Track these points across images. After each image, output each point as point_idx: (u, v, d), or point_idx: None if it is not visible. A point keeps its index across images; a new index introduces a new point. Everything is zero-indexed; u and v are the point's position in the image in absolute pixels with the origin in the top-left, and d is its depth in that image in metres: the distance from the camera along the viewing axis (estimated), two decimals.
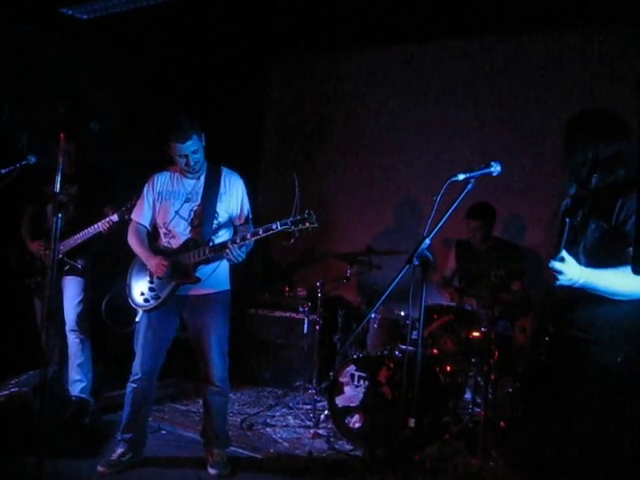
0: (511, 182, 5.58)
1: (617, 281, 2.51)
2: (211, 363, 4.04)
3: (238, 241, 3.78)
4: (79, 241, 4.77)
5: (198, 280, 3.95)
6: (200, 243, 3.92)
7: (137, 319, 4.14)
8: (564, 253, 2.44)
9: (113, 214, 4.60)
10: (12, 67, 5.37)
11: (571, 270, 2.44)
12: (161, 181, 4.13)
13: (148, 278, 4.05)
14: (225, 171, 4.13)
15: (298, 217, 3.59)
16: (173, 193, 4.08)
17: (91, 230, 4.70)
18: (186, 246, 3.96)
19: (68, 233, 4.71)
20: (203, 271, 3.97)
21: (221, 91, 6.70)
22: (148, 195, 4.13)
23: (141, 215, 4.15)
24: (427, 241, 2.54)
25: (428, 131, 6.47)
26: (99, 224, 4.66)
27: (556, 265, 2.42)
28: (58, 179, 3.18)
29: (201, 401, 4.27)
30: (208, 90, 6.54)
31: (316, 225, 3.61)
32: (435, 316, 4.91)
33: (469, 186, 2.66)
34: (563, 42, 5.77)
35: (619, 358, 2.55)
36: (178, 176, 4.10)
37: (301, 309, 5.88)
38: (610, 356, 2.57)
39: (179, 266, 3.94)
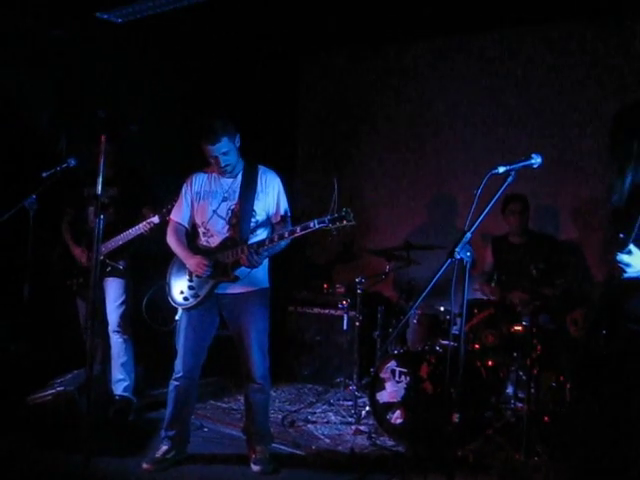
0: (546, 174, 5.49)
1: None
2: (252, 360, 4.06)
3: (276, 239, 3.80)
4: (120, 242, 4.80)
5: (237, 278, 3.97)
6: (238, 242, 3.94)
7: (177, 317, 4.20)
8: (632, 246, 2.45)
9: (154, 216, 4.64)
10: (51, 72, 5.46)
11: (638, 262, 2.46)
12: (199, 181, 4.16)
13: (187, 277, 4.08)
14: (262, 169, 4.14)
15: (336, 215, 3.60)
16: (211, 192, 4.10)
17: (132, 232, 4.74)
18: (224, 245, 3.99)
19: (109, 235, 4.75)
20: (242, 270, 3.98)
21: (257, 90, 6.71)
22: (186, 195, 4.17)
23: (180, 215, 4.18)
24: (468, 235, 2.52)
25: (465, 125, 6.40)
26: (140, 226, 4.70)
27: (624, 258, 2.44)
28: (100, 181, 3.22)
29: (242, 398, 4.29)
30: (244, 89, 6.55)
31: (354, 223, 3.62)
32: (475, 310, 4.87)
33: (509, 179, 2.63)
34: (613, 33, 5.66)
35: None
36: (216, 176, 4.12)
37: (340, 306, 5.89)
38: None
39: (218, 265, 3.97)
